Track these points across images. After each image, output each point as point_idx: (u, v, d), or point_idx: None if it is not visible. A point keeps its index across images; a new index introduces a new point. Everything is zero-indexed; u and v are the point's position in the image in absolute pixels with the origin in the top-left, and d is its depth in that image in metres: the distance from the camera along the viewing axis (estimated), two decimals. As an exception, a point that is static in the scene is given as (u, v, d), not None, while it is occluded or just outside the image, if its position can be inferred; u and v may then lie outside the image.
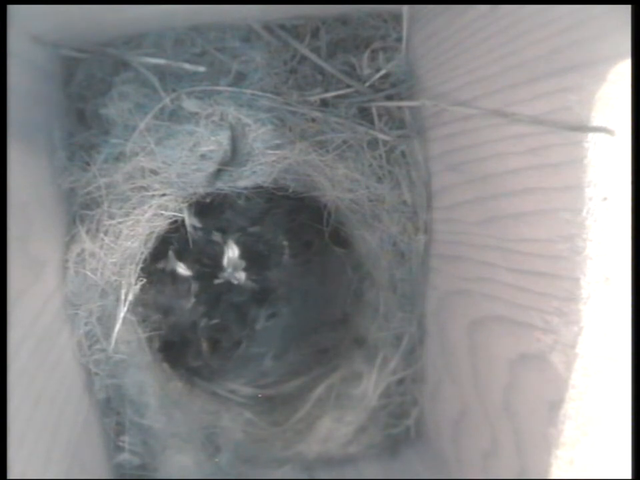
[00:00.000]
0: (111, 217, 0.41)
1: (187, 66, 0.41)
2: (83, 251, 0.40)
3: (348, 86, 0.42)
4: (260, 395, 0.55)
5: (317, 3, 0.40)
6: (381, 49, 0.42)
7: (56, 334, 0.38)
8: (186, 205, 0.44)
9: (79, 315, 0.41)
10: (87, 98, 0.42)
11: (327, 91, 0.42)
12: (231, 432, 0.49)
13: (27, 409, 0.31)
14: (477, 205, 0.37)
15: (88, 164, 0.40)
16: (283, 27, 0.42)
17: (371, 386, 0.49)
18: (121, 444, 0.46)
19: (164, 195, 0.42)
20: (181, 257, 0.57)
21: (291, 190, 0.45)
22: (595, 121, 0.25)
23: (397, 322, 0.48)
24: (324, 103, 0.42)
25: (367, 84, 0.42)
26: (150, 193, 0.41)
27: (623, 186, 0.24)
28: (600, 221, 0.26)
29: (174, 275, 0.57)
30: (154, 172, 0.41)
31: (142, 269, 0.44)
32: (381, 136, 0.43)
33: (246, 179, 0.43)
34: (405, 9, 0.40)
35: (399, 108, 0.43)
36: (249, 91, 0.41)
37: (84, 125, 0.42)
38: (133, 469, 0.47)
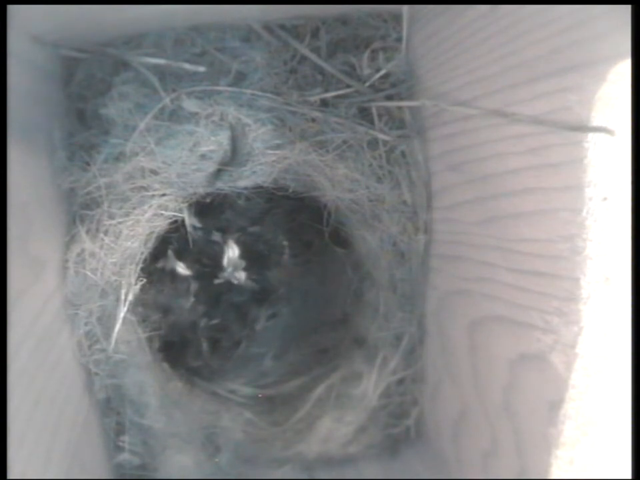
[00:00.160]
0: (111, 216, 0.41)
1: (187, 66, 0.41)
2: (82, 251, 0.40)
3: (348, 86, 0.42)
4: (260, 395, 0.55)
5: (317, 3, 0.40)
6: (381, 48, 0.42)
7: (56, 334, 0.38)
8: (186, 205, 0.44)
9: (78, 314, 0.41)
10: (87, 98, 0.42)
11: (327, 91, 0.42)
12: (231, 432, 0.49)
13: (26, 409, 0.31)
14: (476, 205, 0.37)
15: (88, 164, 0.40)
16: (283, 27, 0.42)
17: (371, 386, 0.49)
18: (121, 444, 0.46)
19: (164, 195, 0.42)
20: (181, 257, 0.57)
21: (291, 190, 0.45)
22: (595, 121, 0.25)
23: (396, 322, 0.48)
24: (324, 103, 0.42)
25: (367, 84, 0.42)
26: (150, 193, 0.41)
27: (622, 186, 0.24)
28: (600, 221, 0.26)
29: (174, 275, 0.57)
30: (154, 172, 0.41)
31: (142, 269, 0.44)
32: (381, 136, 0.43)
33: (246, 179, 0.43)
34: (405, 9, 0.40)
35: (399, 108, 0.43)
36: (249, 91, 0.41)
37: (84, 125, 0.42)
38: (133, 469, 0.47)
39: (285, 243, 0.61)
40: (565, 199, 0.27)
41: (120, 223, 0.41)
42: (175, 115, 0.41)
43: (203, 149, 0.41)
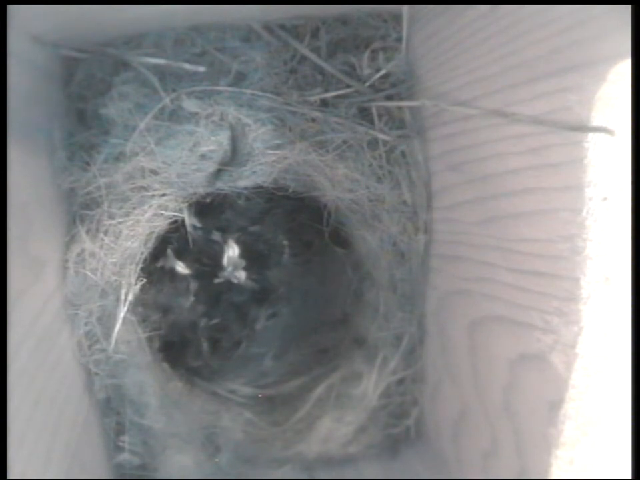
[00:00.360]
0: (111, 216, 0.41)
1: (187, 66, 0.41)
2: (82, 250, 0.40)
3: (348, 86, 0.42)
4: (260, 395, 0.55)
5: (317, 3, 0.40)
6: (381, 48, 0.42)
7: (56, 334, 0.38)
8: (186, 205, 0.44)
9: (78, 314, 0.41)
10: (87, 98, 0.42)
11: (327, 91, 0.42)
12: (231, 432, 0.49)
13: (26, 409, 0.31)
14: (477, 205, 0.37)
15: (88, 164, 0.40)
16: (283, 26, 0.42)
17: (371, 386, 0.49)
18: (121, 444, 0.46)
19: (164, 195, 0.42)
20: (180, 257, 0.57)
21: (291, 190, 0.45)
22: (595, 121, 0.25)
23: (397, 322, 0.48)
24: (324, 103, 0.42)
25: (367, 84, 0.42)
26: (150, 193, 0.41)
27: (622, 186, 0.24)
28: (600, 221, 0.26)
29: (174, 275, 0.57)
30: (154, 172, 0.41)
31: (142, 269, 0.44)
32: (381, 136, 0.43)
33: (246, 179, 0.43)
34: (405, 8, 0.40)
35: (399, 108, 0.43)
36: (249, 91, 0.41)
37: (84, 125, 0.42)
38: (133, 469, 0.47)
39: (285, 242, 0.61)
40: (565, 199, 0.27)
41: (120, 223, 0.41)
42: (175, 115, 0.41)
43: (203, 148, 0.41)
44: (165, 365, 0.52)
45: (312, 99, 0.42)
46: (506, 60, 0.30)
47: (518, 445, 0.35)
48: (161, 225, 0.43)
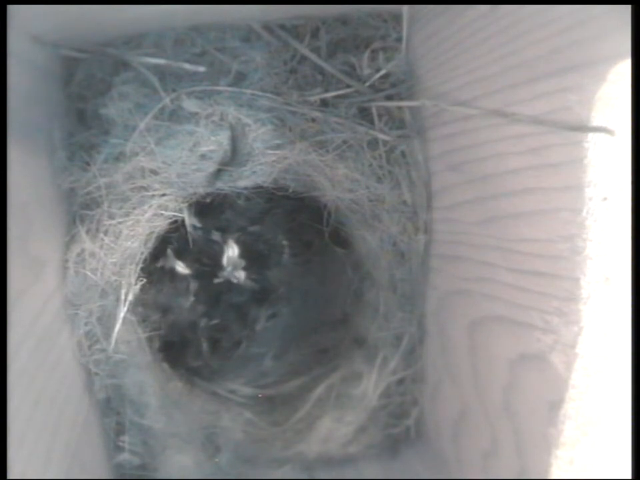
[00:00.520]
0: (111, 217, 0.41)
1: (187, 66, 0.41)
2: (82, 250, 0.40)
3: (348, 86, 0.42)
4: (260, 395, 0.55)
5: (317, 3, 0.40)
6: (381, 48, 0.42)
7: (56, 334, 0.38)
8: (186, 205, 0.44)
9: (78, 314, 0.41)
10: (87, 98, 0.42)
11: (327, 90, 0.42)
12: (231, 432, 0.49)
13: (26, 409, 0.31)
14: (477, 205, 0.37)
15: (88, 164, 0.40)
16: (283, 27, 0.42)
17: (371, 386, 0.49)
18: (121, 444, 0.46)
19: (164, 195, 0.42)
20: (180, 257, 0.57)
21: (291, 190, 0.45)
22: (595, 121, 0.25)
23: (397, 322, 0.48)
24: (324, 103, 0.42)
25: (367, 84, 0.42)
26: (150, 193, 0.41)
27: (622, 186, 0.24)
28: (600, 221, 0.26)
29: (174, 275, 0.57)
30: (154, 172, 0.41)
31: (142, 269, 0.44)
32: (381, 136, 0.43)
33: (246, 179, 0.43)
34: (405, 8, 0.40)
35: (399, 108, 0.43)
36: (249, 91, 0.41)
37: (84, 125, 0.42)
38: (133, 469, 0.47)
39: (285, 242, 0.61)
40: (565, 198, 0.27)
41: (120, 222, 0.41)
42: (175, 115, 0.41)
43: (203, 148, 0.41)
44: (165, 365, 0.52)
45: (312, 98, 0.42)
46: (506, 60, 0.30)
47: (518, 445, 0.35)
48: (160, 225, 0.43)
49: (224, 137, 0.41)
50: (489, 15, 0.31)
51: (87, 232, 0.41)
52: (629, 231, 0.24)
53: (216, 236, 0.58)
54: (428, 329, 0.48)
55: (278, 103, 0.41)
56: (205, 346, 0.59)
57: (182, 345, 0.58)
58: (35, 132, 0.37)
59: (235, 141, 0.41)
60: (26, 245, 0.34)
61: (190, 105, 0.40)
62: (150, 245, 0.44)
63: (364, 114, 0.43)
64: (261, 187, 0.44)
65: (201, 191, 0.43)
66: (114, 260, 0.41)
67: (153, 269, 0.54)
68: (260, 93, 0.41)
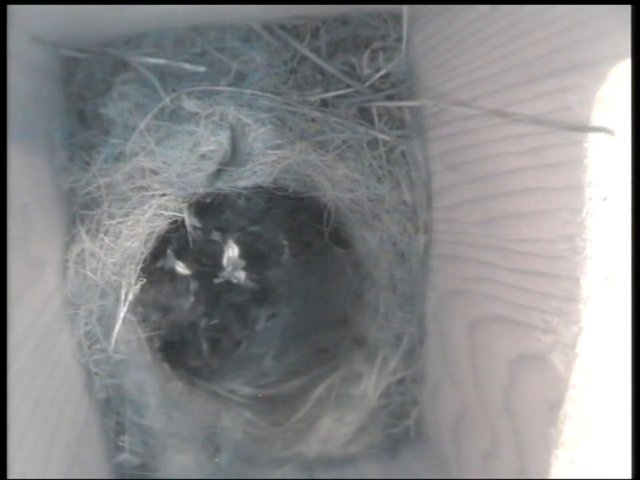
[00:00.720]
0: (111, 217, 0.41)
1: (187, 66, 0.41)
2: (82, 250, 0.40)
3: (348, 86, 0.42)
4: (260, 395, 0.55)
5: (317, 3, 0.40)
6: (381, 48, 0.42)
7: (56, 334, 0.38)
8: (186, 205, 0.44)
9: (78, 314, 0.41)
10: (87, 98, 0.42)
11: (327, 90, 0.42)
12: (231, 432, 0.49)
13: (26, 409, 0.31)
14: (477, 205, 0.37)
15: (88, 164, 0.40)
16: (283, 27, 0.42)
17: (370, 386, 0.49)
18: (121, 444, 0.46)
19: (164, 195, 0.42)
20: (181, 257, 0.57)
21: (291, 190, 0.45)
22: (595, 121, 0.25)
23: (397, 322, 0.48)
24: (324, 103, 0.42)
25: (367, 84, 0.42)
26: (150, 193, 0.41)
27: (622, 186, 0.24)
28: (600, 221, 0.26)
29: (174, 275, 0.57)
30: (154, 172, 0.41)
31: (142, 269, 0.44)
32: (381, 136, 0.43)
33: (246, 179, 0.43)
34: (405, 8, 0.40)
35: (399, 108, 0.43)
36: (249, 91, 0.41)
37: (84, 125, 0.42)
38: (133, 469, 0.47)
39: (285, 242, 0.61)
40: (565, 199, 0.27)
41: (120, 222, 0.41)
42: (175, 115, 0.41)
43: (203, 148, 0.41)
44: (165, 365, 0.52)
45: (312, 98, 0.42)
46: (506, 60, 0.30)
47: (518, 445, 0.35)
48: (161, 225, 0.43)
49: (224, 137, 0.41)
50: (488, 15, 0.31)
51: (87, 232, 0.41)
52: (629, 231, 0.24)
53: (216, 236, 0.58)
54: (428, 328, 0.48)
55: (278, 103, 0.41)
56: (205, 346, 0.59)
57: (182, 345, 0.58)
58: (35, 132, 0.37)
59: (234, 141, 0.41)
60: (26, 245, 0.34)
61: (190, 104, 0.40)
62: (150, 245, 0.44)
63: (364, 114, 0.43)
64: (261, 187, 0.44)
65: (201, 190, 0.43)
66: (114, 260, 0.41)
67: (153, 269, 0.54)
68: (260, 93, 0.41)
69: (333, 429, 0.49)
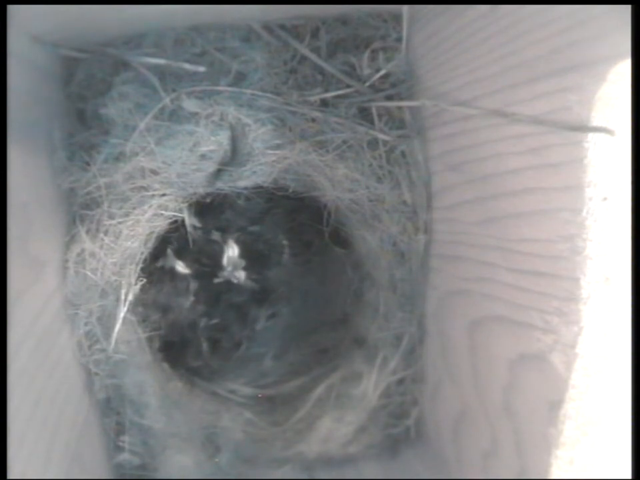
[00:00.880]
0: (111, 216, 0.41)
1: (187, 66, 0.41)
2: (82, 250, 0.40)
3: (348, 86, 0.42)
4: (260, 395, 0.55)
5: (317, 3, 0.40)
6: (381, 48, 0.42)
7: (56, 334, 0.38)
8: (186, 205, 0.44)
9: (78, 314, 0.41)
10: (87, 98, 0.42)
11: (327, 90, 0.42)
12: (231, 432, 0.49)
13: (26, 409, 0.31)
14: (477, 205, 0.37)
15: (88, 164, 0.40)
16: (283, 27, 0.42)
17: (370, 386, 0.49)
18: (121, 444, 0.46)
19: (164, 195, 0.42)
20: (181, 257, 0.57)
21: (291, 190, 0.45)
22: (595, 121, 0.25)
23: (397, 322, 0.48)
24: (324, 103, 0.42)
25: (367, 84, 0.42)
26: (150, 193, 0.41)
27: (622, 186, 0.24)
28: (600, 221, 0.26)
29: (174, 275, 0.57)
30: (154, 172, 0.41)
31: (142, 269, 0.44)
32: (381, 136, 0.43)
33: (246, 179, 0.43)
34: (405, 8, 0.40)
35: (399, 108, 0.43)
36: (249, 91, 0.41)
37: (84, 125, 0.42)
38: (133, 469, 0.47)
39: (285, 242, 0.61)
40: (565, 199, 0.27)
41: (120, 222, 0.41)
42: (175, 115, 0.41)
43: (203, 148, 0.41)
44: (165, 365, 0.52)
45: (312, 98, 0.42)
46: (506, 60, 0.30)
47: (518, 445, 0.35)
48: (161, 225, 0.43)
49: (224, 137, 0.41)
50: (489, 15, 0.31)
51: (87, 232, 0.41)
52: (629, 231, 0.24)
53: (216, 236, 0.58)
54: (428, 328, 0.48)
55: (278, 103, 0.41)
56: (204, 346, 0.59)
57: (182, 345, 0.58)
58: (35, 132, 0.37)
59: (234, 141, 0.41)
60: (26, 245, 0.34)
61: (190, 104, 0.40)
62: (150, 245, 0.44)
63: (364, 114, 0.43)
64: (261, 187, 0.44)
65: (201, 190, 0.43)
66: (114, 260, 0.41)
67: (153, 269, 0.54)
68: (260, 93, 0.41)
69: (332, 429, 0.49)
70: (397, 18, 0.42)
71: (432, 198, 0.44)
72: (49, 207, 0.39)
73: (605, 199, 0.25)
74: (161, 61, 0.41)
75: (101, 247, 0.40)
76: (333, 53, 0.43)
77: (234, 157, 0.41)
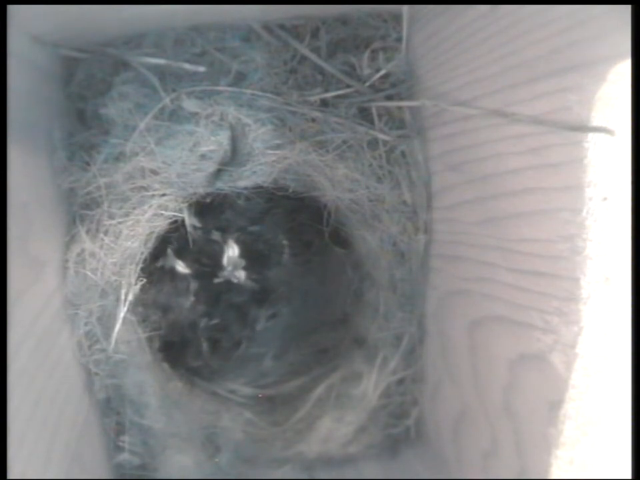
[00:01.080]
0: (111, 217, 0.41)
1: (187, 66, 0.41)
2: (82, 250, 0.40)
3: (348, 86, 0.42)
4: (260, 395, 0.55)
5: (317, 3, 0.40)
6: (381, 48, 0.42)
7: (56, 334, 0.38)
8: (186, 204, 0.44)
9: (78, 314, 0.41)
10: (87, 98, 0.42)
11: (327, 90, 0.42)
12: (231, 432, 0.49)
13: (26, 409, 0.31)
14: (477, 205, 0.37)
15: (88, 164, 0.40)
16: (282, 27, 0.42)
17: (370, 386, 0.49)
18: (121, 444, 0.46)
19: (164, 195, 0.42)
20: (181, 257, 0.57)
21: (291, 190, 0.45)
22: (595, 121, 0.25)
23: (397, 322, 0.48)
24: (324, 103, 0.42)
25: (367, 84, 0.42)
26: (150, 193, 0.41)
27: (622, 186, 0.24)
28: (600, 221, 0.26)
29: (174, 275, 0.57)
30: (154, 172, 0.41)
31: (142, 269, 0.44)
32: (381, 136, 0.43)
33: (246, 179, 0.43)
34: (405, 8, 0.40)
35: (399, 108, 0.43)
36: (249, 91, 0.41)
37: (84, 125, 0.42)
38: (133, 469, 0.47)
39: (285, 242, 0.61)
40: (565, 199, 0.27)
41: (120, 222, 0.41)
42: (175, 115, 0.41)
43: (203, 148, 0.41)
44: (165, 365, 0.52)
45: (312, 98, 0.42)
46: (506, 60, 0.30)
47: (518, 445, 0.35)
48: (161, 225, 0.43)
49: (224, 137, 0.41)
50: (488, 15, 0.31)
51: (87, 232, 0.41)
52: (629, 231, 0.24)
53: (216, 236, 0.58)
54: (428, 328, 0.48)
55: (278, 103, 0.41)
56: (204, 346, 0.59)
57: (182, 345, 0.58)
58: (35, 132, 0.37)
59: (235, 141, 0.41)
60: (26, 245, 0.34)
61: (190, 104, 0.40)
62: (150, 245, 0.44)
63: (364, 114, 0.43)
64: (261, 187, 0.44)
65: (201, 190, 0.43)
66: (114, 260, 0.41)
67: (153, 269, 0.54)
68: (260, 93, 0.41)
69: (332, 429, 0.49)
70: (397, 18, 0.42)
71: (432, 198, 0.44)
72: (49, 207, 0.39)
73: (605, 199, 0.25)
74: (161, 61, 0.41)
75: (101, 247, 0.40)
76: (333, 53, 0.43)
77: (234, 157, 0.41)
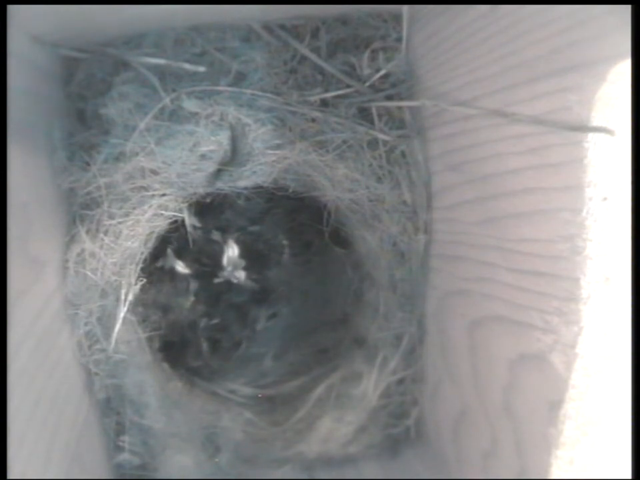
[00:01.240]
0: (111, 217, 0.41)
1: (187, 66, 0.41)
2: (82, 250, 0.40)
3: (348, 86, 0.42)
4: (260, 395, 0.55)
5: (317, 3, 0.40)
6: (381, 48, 0.42)
7: (56, 334, 0.38)
8: (186, 204, 0.44)
9: (78, 314, 0.41)
10: (87, 98, 0.42)
11: (327, 90, 0.42)
12: (231, 432, 0.49)
13: (26, 409, 0.31)
14: (477, 205, 0.37)
15: (88, 164, 0.40)
16: (283, 27, 0.42)
17: (370, 386, 0.49)
18: (121, 444, 0.46)
19: (164, 195, 0.42)
20: (181, 257, 0.57)
21: (291, 190, 0.45)
22: (595, 121, 0.25)
23: (397, 322, 0.48)
24: (324, 103, 0.42)
25: (367, 84, 0.42)
26: (150, 193, 0.41)
27: (622, 186, 0.24)
28: (600, 221, 0.26)
29: (174, 275, 0.57)
30: (154, 172, 0.41)
31: (142, 269, 0.44)
32: (381, 136, 0.43)
33: (246, 179, 0.43)
34: (405, 8, 0.40)
35: (399, 108, 0.43)
36: (249, 91, 0.41)
37: (84, 125, 0.42)
38: (133, 469, 0.47)
39: (285, 242, 0.61)
40: (565, 199, 0.27)
41: (120, 222, 0.41)
42: (175, 115, 0.41)
43: (203, 148, 0.41)
44: (165, 365, 0.52)
45: (312, 98, 0.42)
46: (506, 60, 0.30)
47: (518, 444, 0.35)
48: (161, 225, 0.43)
49: (224, 137, 0.41)
50: (488, 15, 0.31)
51: (87, 232, 0.41)
52: (629, 231, 0.24)
53: (216, 236, 0.58)
54: (428, 328, 0.48)
55: (278, 103, 0.41)
56: (205, 346, 0.59)
57: (182, 345, 0.58)
58: (34, 132, 0.37)
59: (235, 141, 0.41)
60: (26, 245, 0.34)
61: (190, 105, 0.40)
62: (150, 244, 0.44)
63: (364, 114, 0.43)
64: (261, 187, 0.44)
65: (201, 190, 0.43)
66: (114, 260, 0.41)
67: (153, 269, 0.54)
68: (260, 93, 0.41)
69: (333, 429, 0.49)
70: (397, 18, 0.42)
71: (432, 198, 0.44)
72: (49, 207, 0.39)
73: (605, 199, 0.25)
74: (161, 61, 0.41)
75: (101, 247, 0.40)
76: (332, 53, 0.43)
77: (234, 157, 0.41)
